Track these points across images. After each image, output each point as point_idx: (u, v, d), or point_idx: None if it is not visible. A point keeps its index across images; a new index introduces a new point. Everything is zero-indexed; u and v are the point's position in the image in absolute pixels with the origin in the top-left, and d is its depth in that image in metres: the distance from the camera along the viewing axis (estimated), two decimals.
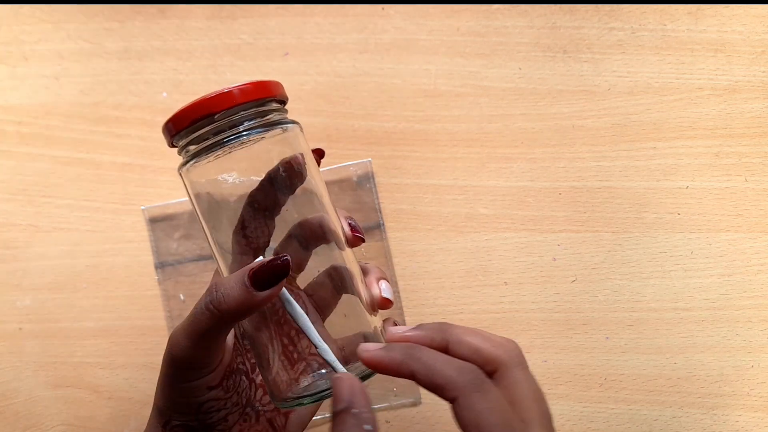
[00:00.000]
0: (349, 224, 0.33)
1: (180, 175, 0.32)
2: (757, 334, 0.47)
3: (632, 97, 0.48)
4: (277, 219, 0.33)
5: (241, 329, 0.33)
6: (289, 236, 0.33)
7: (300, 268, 0.34)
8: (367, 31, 0.49)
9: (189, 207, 0.48)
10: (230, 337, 0.32)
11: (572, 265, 0.48)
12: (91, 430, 0.48)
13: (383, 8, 0.49)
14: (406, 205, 0.48)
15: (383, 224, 0.48)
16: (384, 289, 0.33)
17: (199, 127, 0.30)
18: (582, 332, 0.47)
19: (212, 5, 0.49)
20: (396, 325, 0.32)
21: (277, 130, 0.31)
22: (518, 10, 0.49)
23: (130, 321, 0.48)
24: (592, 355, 0.47)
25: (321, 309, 0.34)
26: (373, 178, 0.48)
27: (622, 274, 0.47)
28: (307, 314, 0.31)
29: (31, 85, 0.49)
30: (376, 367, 0.29)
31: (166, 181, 0.49)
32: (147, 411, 0.48)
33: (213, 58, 0.49)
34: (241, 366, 0.33)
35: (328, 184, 0.47)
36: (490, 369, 0.28)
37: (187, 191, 0.32)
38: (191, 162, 0.31)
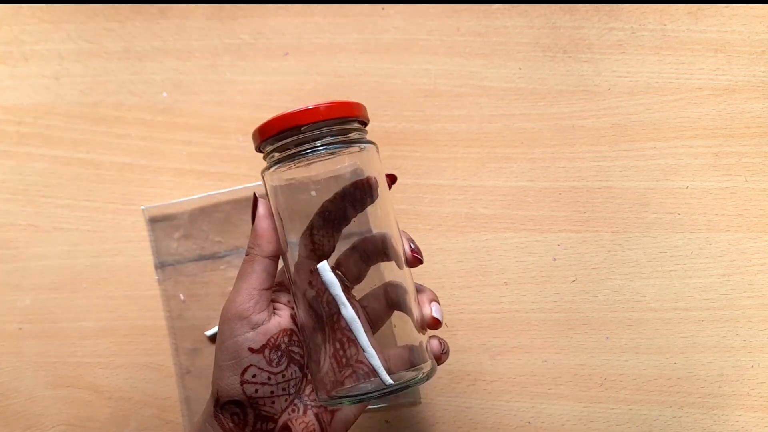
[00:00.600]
0: (410, 246, 0.36)
1: (262, 177, 0.35)
2: (757, 334, 0.47)
3: (632, 97, 0.48)
4: (344, 230, 0.36)
5: (300, 323, 0.35)
6: (353, 248, 0.36)
7: (358, 279, 0.37)
8: (367, 31, 0.49)
9: (189, 207, 0.48)
10: (280, 321, 0.35)
11: (572, 265, 0.48)
12: (91, 430, 0.48)
13: (383, 8, 0.49)
14: (406, 205, 0.48)
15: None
16: (435, 310, 0.36)
17: (285, 137, 0.33)
18: (582, 332, 0.47)
19: (212, 5, 0.49)
20: (440, 343, 0.36)
21: (355, 148, 0.34)
22: (518, 10, 0.49)
23: (129, 321, 0.48)
24: (592, 355, 0.47)
25: (373, 321, 0.37)
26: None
27: (622, 274, 0.47)
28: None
29: (31, 85, 0.49)
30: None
31: (166, 181, 0.49)
32: (147, 411, 0.48)
33: (213, 58, 0.49)
34: (295, 356, 0.35)
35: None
36: None
37: (266, 191, 0.35)
38: (274, 167, 0.34)
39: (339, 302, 0.33)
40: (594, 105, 0.48)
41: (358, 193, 0.35)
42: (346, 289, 0.36)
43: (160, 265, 0.48)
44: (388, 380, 0.33)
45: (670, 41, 0.49)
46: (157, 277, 0.48)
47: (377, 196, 0.35)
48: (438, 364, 0.36)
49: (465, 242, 0.48)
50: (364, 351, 0.33)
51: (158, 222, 0.48)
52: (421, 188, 0.48)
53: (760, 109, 0.48)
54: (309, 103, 0.33)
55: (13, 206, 0.49)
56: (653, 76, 0.49)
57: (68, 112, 0.49)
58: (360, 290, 0.37)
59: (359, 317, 0.34)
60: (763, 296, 0.47)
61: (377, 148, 0.36)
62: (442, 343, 0.36)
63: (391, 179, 0.38)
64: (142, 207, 0.48)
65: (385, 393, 0.33)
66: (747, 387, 0.47)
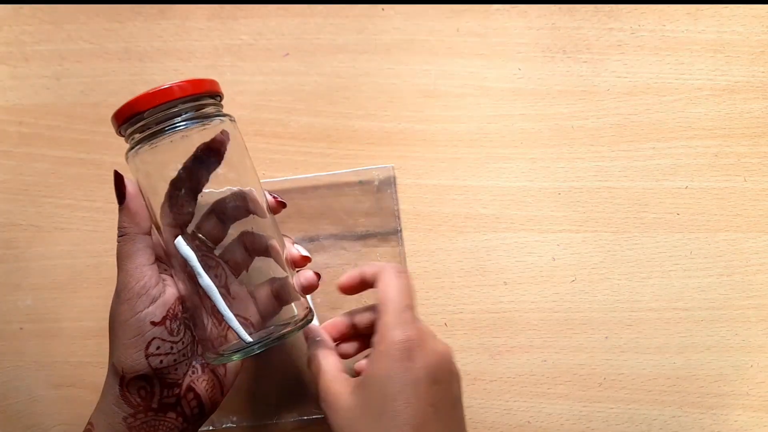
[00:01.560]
0: (272, 195, 0.39)
1: (126, 158, 0.36)
2: (756, 334, 0.47)
3: (631, 97, 0.49)
4: (204, 197, 0.38)
5: (180, 291, 0.37)
6: (210, 210, 0.38)
7: (220, 239, 0.39)
8: (367, 31, 0.49)
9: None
10: (173, 290, 0.36)
11: (571, 265, 0.48)
12: None
13: (383, 9, 0.49)
14: (406, 205, 0.48)
15: (401, 230, 0.48)
16: (299, 249, 0.39)
17: (137, 120, 0.34)
18: (581, 332, 0.47)
19: (212, 6, 0.49)
20: (316, 276, 0.40)
21: (215, 122, 0.36)
22: (518, 11, 0.49)
23: None
24: (592, 355, 0.47)
25: (235, 270, 0.39)
26: (395, 184, 0.48)
27: (621, 274, 0.48)
28: (224, 284, 0.37)
29: (32, 85, 0.50)
30: (346, 286, 0.40)
31: None
32: None
33: (213, 59, 0.49)
34: (187, 321, 0.36)
35: (350, 184, 0.48)
36: (376, 276, 0.39)
37: (134, 174, 0.36)
38: (136, 148, 0.35)
39: (196, 272, 0.35)
40: (593, 105, 0.49)
41: (207, 155, 0.36)
42: (209, 251, 0.38)
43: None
44: (248, 339, 0.35)
45: (669, 42, 0.49)
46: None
47: (223, 153, 0.36)
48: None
49: (465, 242, 0.48)
50: (223, 316, 0.35)
51: None
52: (421, 188, 0.48)
53: (759, 109, 0.49)
54: (164, 83, 0.34)
55: (14, 206, 0.49)
56: (652, 76, 0.49)
57: (69, 112, 0.49)
58: (223, 247, 0.39)
59: (226, 273, 0.37)
60: (762, 296, 0.47)
61: (232, 118, 0.37)
62: (316, 275, 0.39)
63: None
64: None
65: (266, 343, 0.36)
66: (746, 386, 0.47)
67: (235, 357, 0.36)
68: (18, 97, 0.50)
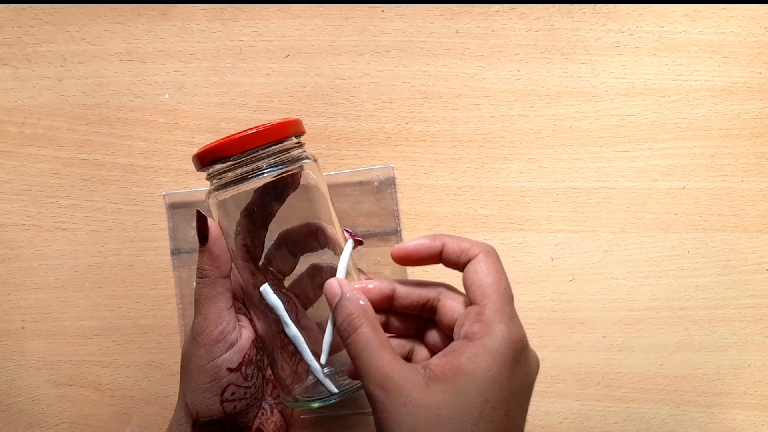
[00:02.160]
0: (348, 231, 0.38)
1: (207, 199, 0.36)
2: (753, 333, 0.47)
3: (629, 98, 0.49)
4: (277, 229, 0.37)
5: (258, 331, 0.36)
6: (279, 244, 0.37)
7: (287, 272, 0.38)
8: (366, 33, 0.49)
9: None
10: (248, 334, 0.35)
11: (570, 264, 0.48)
12: (94, 428, 0.48)
13: (383, 10, 0.49)
14: (405, 205, 0.49)
15: (401, 230, 0.48)
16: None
17: (222, 162, 0.34)
18: (579, 331, 0.47)
19: (213, 7, 0.50)
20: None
21: (296, 165, 0.35)
22: (516, 12, 0.49)
23: (132, 320, 0.48)
24: (590, 354, 0.47)
25: (304, 303, 0.38)
26: (395, 185, 0.48)
27: (619, 274, 0.48)
28: (294, 318, 0.35)
29: (34, 86, 0.50)
30: (411, 256, 0.34)
31: (168, 181, 0.49)
32: (149, 409, 0.48)
33: (214, 60, 0.49)
34: (260, 363, 0.36)
35: (349, 185, 0.48)
36: (473, 254, 0.33)
37: (214, 213, 0.36)
38: (218, 192, 0.35)
39: (283, 322, 0.34)
40: (591, 106, 0.49)
41: (279, 185, 0.35)
42: (279, 283, 0.37)
43: (176, 252, 0.48)
44: (333, 390, 0.34)
45: (667, 43, 0.49)
46: (172, 263, 0.48)
47: (297, 185, 0.36)
48: None
49: None
50: (308, 366, 0.34)
51: (178, 208, 0.48)
52: (420, 188, 0.49)
53: (756, 110, 0.49)
54: (250, 127, 0.34)
55: (16, 206, 0.49)
56: (650, 77, 0.49)
57: (71, 113, 0.50)
58: (290, 278, 0.38)
59: (296, 307, 0.36)
60: (760, 296, 0.48)
61: (315, 159, 0.37)
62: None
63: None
64: (163, 192, 0.49)
65: (347, 395, 0.34)
66: (743, 386, 0.47)
67: (315, 405, 0.35)
68: (20, 98, 0.50)
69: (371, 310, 0.32)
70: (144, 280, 0.49)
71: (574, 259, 0.48)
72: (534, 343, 0.47)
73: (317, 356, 0.34)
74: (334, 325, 0.32)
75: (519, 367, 0.30)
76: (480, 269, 0.32)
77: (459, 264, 0.33)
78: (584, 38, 0.49)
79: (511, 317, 0.31)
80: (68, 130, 0.49)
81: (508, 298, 0.32)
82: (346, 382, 0.35)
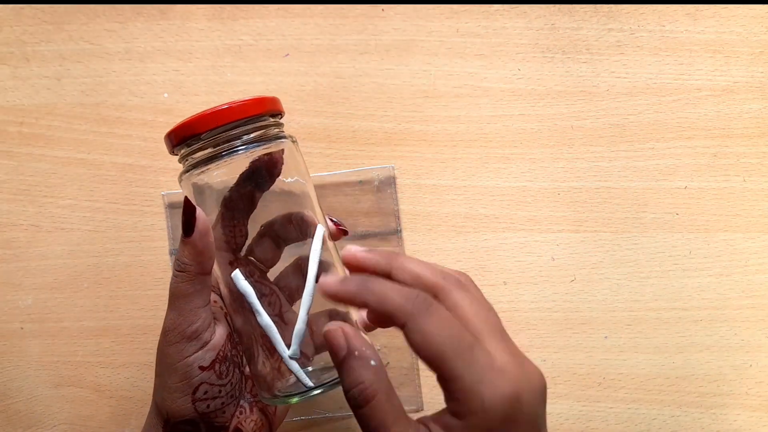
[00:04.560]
0: (332, 219, 0.36)
1: (180, 181, 0.34)
2: (755, 334, 0.47)
3: (631, 97, 0.49)
4: (260, 218, 0.35)
5: (233, 325, 0.34)
6: (262, 234, 0.35)
7: (271, 264, 0.36)
8: (366, 32, 0.49)
9: None
10: (222, 330, 0.34)
11: (571, 264, 0.48)
12: (93, 429, 0.48)
13: (383, 9, 0.49)
14: (405, 205, 0.48)
15: (401, 230, 0.48)
16: None
17: (194, 141, 0.32)
18: (581, 332, 0.47)
19: (213, 6, 0.50)
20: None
21: (275, 144, 0.33)
22: (517, 11, 0.49)
23: (131, 320, 0.48)
24: (591, 355, 0.47)
25: (291, 297, 0.36)
26: (395, 184, 0.48)
27: (620, 274, 0.48)
28: (278, 312, 0.34)
29: (33, 85, 0.50)
30: (333, 298, 0.30)
31: (167, 181, 0.49)
32: (148, 410, 0.48)
33: (214, 59, 0.49)
34: (235, 358, 0.34)
35: (349, 185, 0.48)
36: (432, 294, 0.29)
37: (188, 196, 0.33)
38: (191, 171, 0.33)
39: (254, 310, 0.33)
40: (593, 106, 0.49)
41: (260, 172, 0.34)
42: (262, 276, 0.35)
43: (175, 252, 0.48)
44: (308, 383, 0.32)
45: (669, 42, 0.49)
46: (171, 264, 0.48)
47: (279, 172, 0.34)
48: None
49: (464, 242, 0.48)
50: (282, 358, 0.32)
51: (177, 209, 0.48)
52: (420, 188, 0.49)
53: (758, 109, 0.49)
54: (223, 102, 0.32)
55: (14, 206, 0.49)
56: (652, 77, 0.49)
57: (70, 112, 0.49)
58: (277, 270, 0.36)
59: (280, 300, 0.34)
60: (761, 296, 0.47)
61: (294, 140, 0.35)
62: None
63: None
64: (162, 192, 0.48)
65: (329, 386, 0.32)
66: (745, 386, 0.47)
67: (294, 400, 0.33)
68: (19, 97, 0.50)
69: (384, 372, 0.28)
70: (143, 281, 0.48)
71: (575, 259, 0.48)
72: (535, 343, 0.47)
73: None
74: (344, 390, 0.29)
75: (518, 419, 0.27)
76: (459, 312, 0.28)
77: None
78: (585, 37, 0.49)
79: (502, 369, 0.27)
80: (67, 129, 0.49)
81: (500, 331, 0.28)
82: (327, 376, 0.33)
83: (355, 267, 0.31)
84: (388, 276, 0.30)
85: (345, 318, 0.34)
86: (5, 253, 0.49)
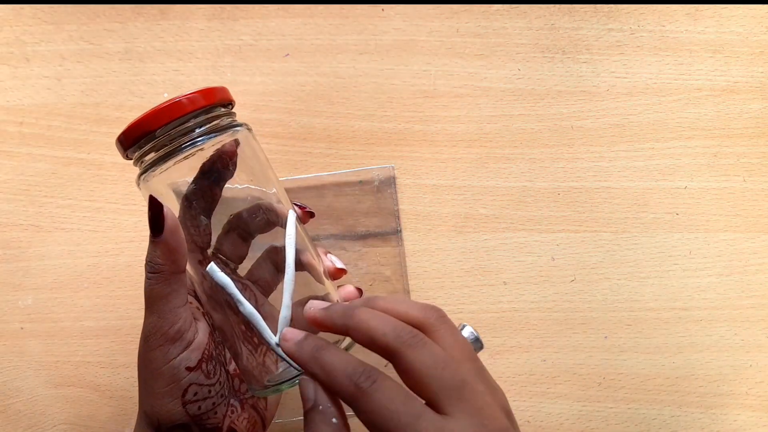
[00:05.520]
0: (297, 205, 0.35)
1: (138, 184, 0.33)
2: (755, 334, 0.47)
3: (631, 97, 0.49)
4: (224, 213, 0.34)
5: (213, 321, 0.34)
6: (228, 229, 0.34)
7: (240, 259, 0.35)
8: (366, 32, 0.49)
9: None
10: (204, 328, 0.33)
11: (571, 264, 0.48)
12: (93, 429, 0.48)
13: (383, 9, 0.49)
14: (406, 205, 0.48)
15: (401, 230, 0.48)
16: (334, 260, 0.35)
17: (147, 141, 0.31)
18: (581, 332, 0.47)
19: (213, 6, 0.50)
20: (358, 291, 0.35)
21: (230, 133, 0.33)
22: (517, 11, 0.49)
23: (131, 320, 0.48)
24: (591, 355, 0.47)
25: (265, 290, 0.35)
26: (395, 184, 0.48)
27: (620, 274, 0.48)
28: (256, 306, 0.33)
29: (33, 85, 0.50)
30: (316, 325, 0.30)
31: None
32: None
33: (214, 59, 0.49)
34: (220, 357, 0.33)
35: (349, 185, 0.48)
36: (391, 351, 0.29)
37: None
38: (148, 171, 0.32)
39: (235, 300, 0.32)
40: (593, 106, 0.49)
41: (215, 166, 0.33)
42: (233, 272, 0.35)
43: None
44: (296, 366, 0.31)
45: (669, 42, 0.49)
46: None
47: (235, 163, 0.33)
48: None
49: (464, 242, 0.48)
50: (267, 343, 0.32)
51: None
52: (420, 188, 0.48)
53: (758, 109, 0.49)
54: (169, 97, 0.31)
55: (14, 206, 0.49)
56: (652, 76, 0.49)
57: (70, 112, 0.49)
58: (246, 266, 0.35)
59: (255, 295, 0.33)
60: (761, 296, 0.47)
61: (249, 128, 0.34)
62: (358, 290, 0.35)
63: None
64: None
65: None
66: (745, 386, 0.47)
67: (285, 387, 0.32)
68: (19, 97, 0.50)
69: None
70: (143, 281, 0.48)
71: (575, 259, 0.48)
72: (535, 343, 0.47)
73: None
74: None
75: None
76: (441, 343, 0.29)
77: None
78: (585, 37, 0.49)
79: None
80: (67, 129, 0.49)
81: (476, 362, 0.28)
82: None
83: (316, 326, 0.31)
84: (346, 334, 0.30)
85: (325, 299, 0.34)
86: (5, 253, 0.49)
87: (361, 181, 0.48)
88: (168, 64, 0.49)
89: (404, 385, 0.28)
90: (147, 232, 0.48)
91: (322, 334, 0.32)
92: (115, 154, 0.49)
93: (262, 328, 0.32)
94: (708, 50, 0.49)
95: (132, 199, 0.49)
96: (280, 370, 0.33)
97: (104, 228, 0.49)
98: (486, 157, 0.49)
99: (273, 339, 0.31)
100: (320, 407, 0.29)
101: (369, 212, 0.48)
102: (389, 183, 0.48)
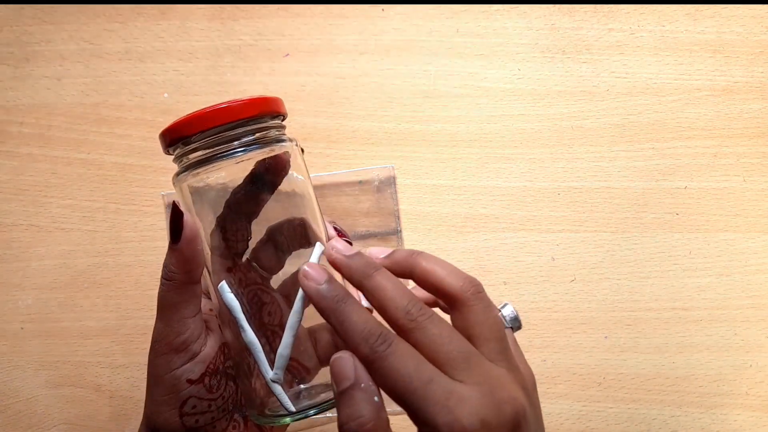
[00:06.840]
0: (334, 227, 0.34)
1: (174, 183, 0.32)
2: (755, 334, 0.47)
3: (631, 97, 0.49)
4: (261, 222, 0.33)
5: (226, 337, 0.33)
6: (267, 240, 0.33)
7: (273, 271, 0.34)
8: (366, 32, 0.49)
9: None
10: (214, 341, 0.32)
11: (571, 264, 0.48)
12: (92, 429, 0.48)
13: (383, 9, 0.49)
14: (406, 205, 0.48)
15: (401, 230, 0.48)
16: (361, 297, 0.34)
17: (188, 142, 0.30)
18: (581, 332, 0.47)
19: (213, 6, 0.50)
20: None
21: (276, 148, 0.31)
22: (517, 11, 0.49)
23: (131, 320, 0.48)
24: (591, 355, 0.47)
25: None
26: (395, 184, 0.48)
27: (620, 274, 0.48)
28: (278, 322, 0.32)
29: (33, 85, 0.50)
30: (334, 267, 0.29)
31: (167, 181, 0.49)
32: None
33: (214, 59, 0.49)
34: (229, 371, 0.33)
35: (349, 185, 0.48)
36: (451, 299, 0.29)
37: (182, 199, 0.32)
38: (185, 172, 0.31)
39: (239, 325, 0.31)
40: (593, 106, 0.49)
41: (266, 174, 0.32)
42: (265, 283, 0.33)
43: None
44: (290, 408, 0.30)
45: (669, 42, 0.49)
46: None
47: (286, 174, 0.32)
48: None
49: (464, 242, 0.48)
50: (264, 378, 0.30)
51: None
52: (420, 188, 0.48)
53: (758, 109, 0.49)
54: (223, 100, 0.30)
55: (14, 206, 0.49)
56: (652, 77, 0.49)
57: (70, 112, 0.49)
58: (279, 279, 0.34)
59: (281, 310, 0.32)
60: (761, 296, 0.47)
61: (297, 143, 0.33)
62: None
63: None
64: (162, 192, 0.48)
65: (322, 408, 0.31)
66: (745, 386, 0.47)
67: (286, 420, 0.31)
68: (19, 97, 0.50)
69: (384, 412, 0.28)
70: (143, 281, 0.48)
71: (575, 259, 0.48)
72: (535, 343, 0.47)
73: (297, 366, 0.32)
74: (339, 423, 0.27)
75: None
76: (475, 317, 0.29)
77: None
78: (585, 37, 0.49)
79: (458, 401, 0.26)
80: (67, 129, 0.49)
81: (467, 368, 0.27)
82: (326, 395, 0.31)
83: (334, 267, 0.30)
84: (359, 290, 0.29)
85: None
86: (5, 253, 0.49)
87: (361, 181, 0.48)
88: (168, 63, 0.49)
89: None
90: (147, 232, 0.49)
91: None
92: (115, 154, 0.49)
93: (260, 360, 0.31)
94: (708, 50, 0.49)
95: (132, 199, 0.49)
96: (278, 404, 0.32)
97: (104, 228, 0.49)
98: (486, 157, 0.49)
99: (269, 374, 0.30)
100: (362, 384, 0.27)
101: (369, 212, 0.48)
102: (389, 183, 0.48)
